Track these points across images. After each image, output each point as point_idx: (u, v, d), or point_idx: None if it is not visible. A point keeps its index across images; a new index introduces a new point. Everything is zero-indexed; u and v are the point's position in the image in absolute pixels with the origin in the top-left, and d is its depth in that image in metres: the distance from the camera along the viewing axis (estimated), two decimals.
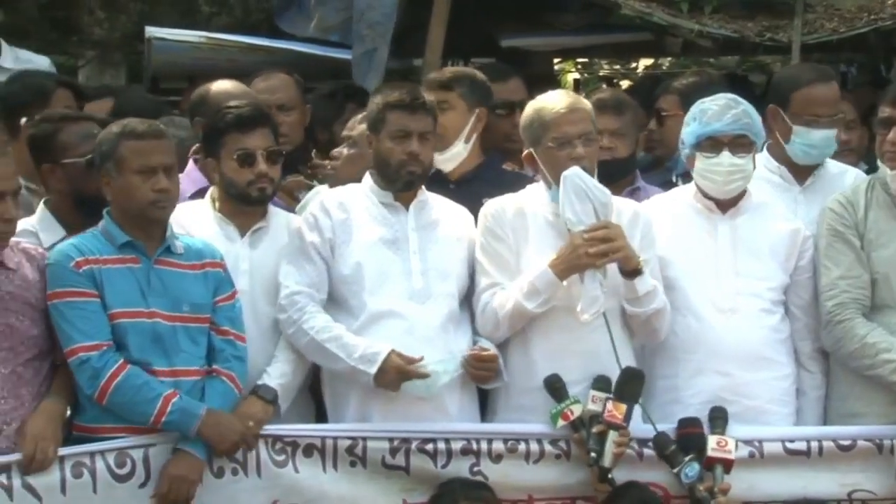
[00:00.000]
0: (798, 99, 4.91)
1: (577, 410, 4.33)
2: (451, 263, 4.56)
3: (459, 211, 4.70)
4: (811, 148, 4.90)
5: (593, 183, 4.38)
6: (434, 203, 4.67)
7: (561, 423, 4.34)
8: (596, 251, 4.31)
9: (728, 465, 4.31)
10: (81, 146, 4.45)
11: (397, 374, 4.34)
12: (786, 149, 4.92)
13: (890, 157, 4.62)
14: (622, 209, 4.55)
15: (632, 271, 4.39)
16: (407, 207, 4.60)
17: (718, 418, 4.41)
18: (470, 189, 4.90)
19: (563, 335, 4.45)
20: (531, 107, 4.60)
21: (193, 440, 4.20)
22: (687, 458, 4.29)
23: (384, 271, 4.49)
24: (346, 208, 4.58)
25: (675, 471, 4.31)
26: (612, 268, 4.40)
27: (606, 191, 4.43)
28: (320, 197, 4.70)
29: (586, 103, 4.59)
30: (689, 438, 4.35)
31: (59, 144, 4.50)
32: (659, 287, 4.47)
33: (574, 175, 4.36)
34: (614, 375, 4.36)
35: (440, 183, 4.88)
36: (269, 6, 7.70)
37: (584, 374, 4.40)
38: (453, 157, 5.05)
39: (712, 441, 4.34)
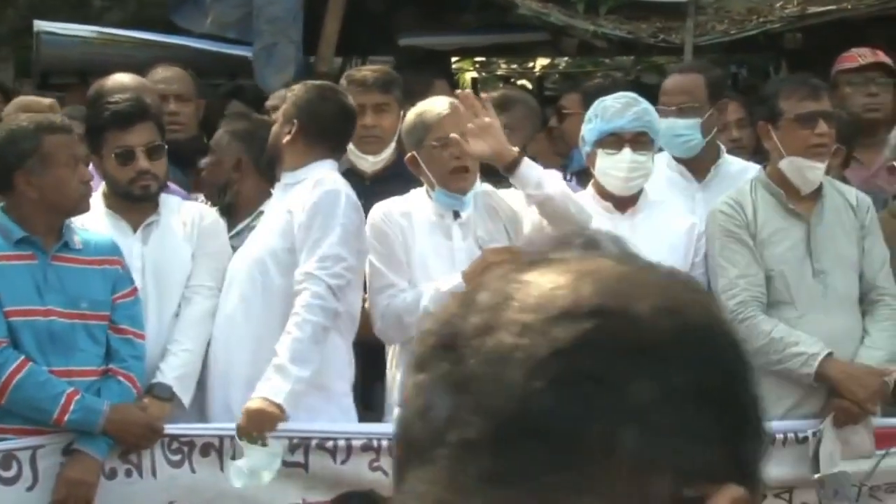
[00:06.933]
0: (661, 92, 5.08)
1: None
2: None
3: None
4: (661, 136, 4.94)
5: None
6: None
7: None
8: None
9: None
10: None
11: None
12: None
13: (818, 153, 4.63)
14: None
15: (508, 166, 4.32)
16: None
17: None
18: (386, 187, 4.85)
19: None
20: (413, 112, 4.60)
21: (89, 440, 4.11)
22: None
23: None
24: None
25: None
26: None
27: (514, 203, 4.46)
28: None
29: None
30: None
31: None
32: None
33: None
34: None
35: (355, 180, 4.83)
36: (164, 1, 7.58)
37: None
38: (384, 159, 5.03)
39: None
